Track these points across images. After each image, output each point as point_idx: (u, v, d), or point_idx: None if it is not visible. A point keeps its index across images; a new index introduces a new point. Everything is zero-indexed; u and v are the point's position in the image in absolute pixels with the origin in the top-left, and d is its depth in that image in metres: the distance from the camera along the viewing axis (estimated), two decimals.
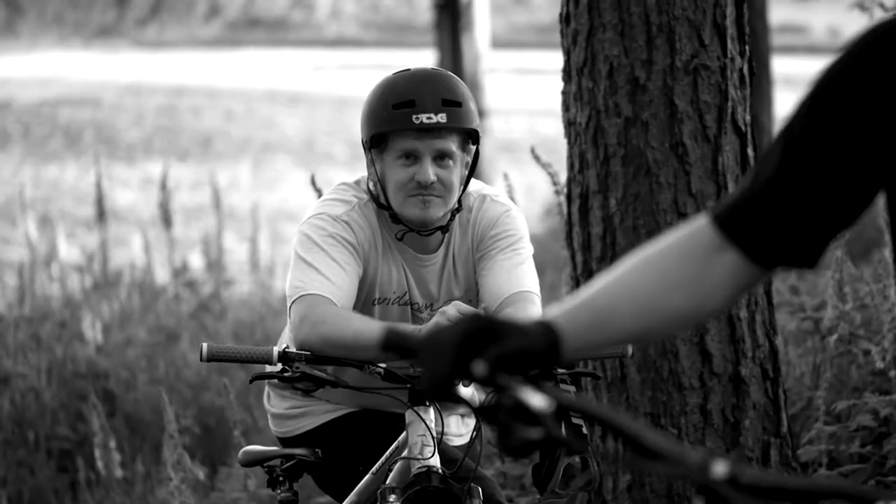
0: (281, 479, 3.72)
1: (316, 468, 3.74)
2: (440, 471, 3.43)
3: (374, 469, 3.58)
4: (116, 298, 8.71)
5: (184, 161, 18.16)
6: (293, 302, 3.48)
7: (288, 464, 3.71)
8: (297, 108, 22.21)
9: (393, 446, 3.57)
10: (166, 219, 9.12)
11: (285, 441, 3.84)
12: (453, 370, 1.90)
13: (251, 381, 3.45)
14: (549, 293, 8.06)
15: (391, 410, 3.65)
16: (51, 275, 9.32)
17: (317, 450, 3.69)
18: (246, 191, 16.13)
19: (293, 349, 3.41)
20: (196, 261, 10.19)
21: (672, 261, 1.99)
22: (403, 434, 3.51)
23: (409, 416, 3.47)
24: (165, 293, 9.01)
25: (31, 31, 32.05)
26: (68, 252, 10.05)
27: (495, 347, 1.89)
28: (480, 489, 3.46)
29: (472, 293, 3.67)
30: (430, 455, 3.42)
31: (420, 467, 3.41)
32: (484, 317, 1.93)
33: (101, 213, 9.15)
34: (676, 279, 1.98)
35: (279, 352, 3.35)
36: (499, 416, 1.88)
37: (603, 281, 2.01)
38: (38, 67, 26.59)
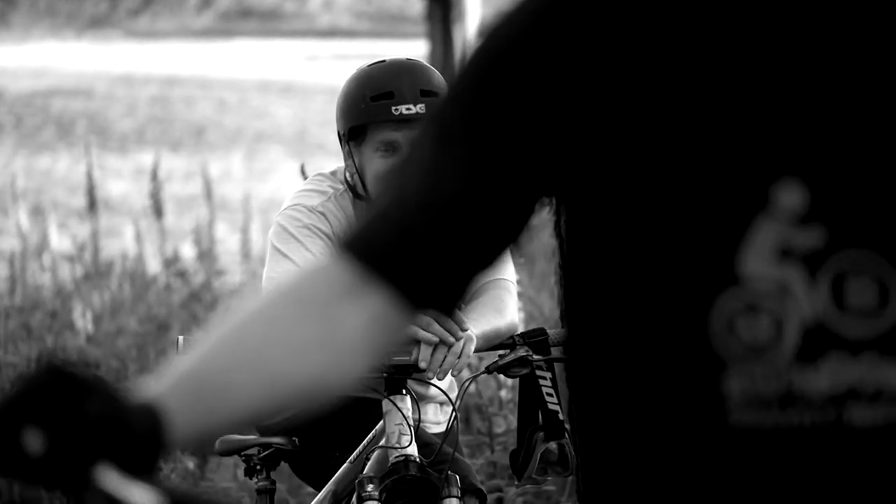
0: (258, 467, 3.73)
1: (293, 456, 3.75)
2: (418, 459, 3.45)
3: (351, 458, 3.59)
4: (107, 288, 8.73)
5: (176, 151, 18.15)
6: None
7: (265, 452, 3.72)
8: (289, 99, 22.18)
9: (370, 435, 3.58)
10: (158, 209, 9.14)
11: (262, 429, 3.85)
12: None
13: None
14: (541, 282, 8.07)
15: (368, 396, 3.64)
16: (42, 265, 9.35)
17: (294, 438, 3.71)
18: (238, 181, 16.12)
19: None
20: (187, 251, 10.20)
21: (296, 316, 1.53)
22: (381, 423, 3.53)
23: (385, 405, 3.49)
24: (156, 283, 9.02)
25: (23, 22, 32.00)
26: (60, 242, 10.06)
27: (70, 411, 1.32)
28: (458, 477, 3.48)
29: None
30: (407, 444, 3.44)
31: (398, 456, 3.43)
32: (60, 369, 1.34)
33: (93, 204, 9.17)
34: (301, 337, 1.52)
35: None
36: None
37: (215, 341, 1.52)
38: (31, 58, 26.54)
